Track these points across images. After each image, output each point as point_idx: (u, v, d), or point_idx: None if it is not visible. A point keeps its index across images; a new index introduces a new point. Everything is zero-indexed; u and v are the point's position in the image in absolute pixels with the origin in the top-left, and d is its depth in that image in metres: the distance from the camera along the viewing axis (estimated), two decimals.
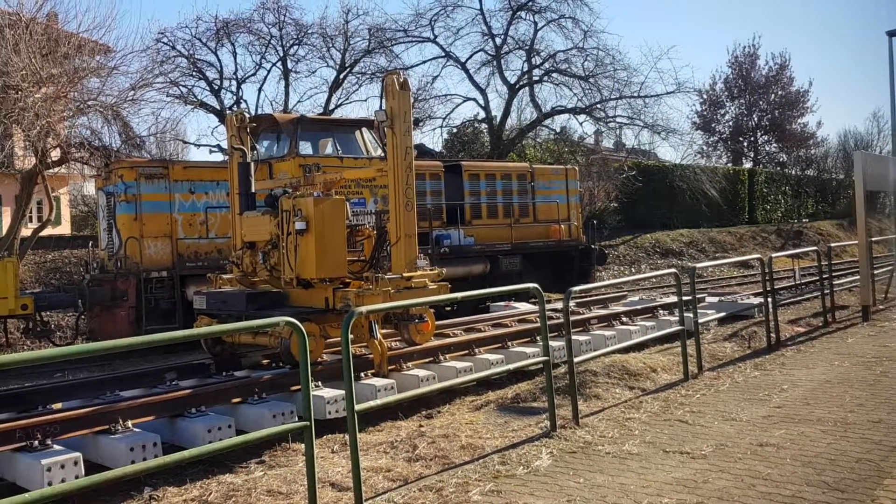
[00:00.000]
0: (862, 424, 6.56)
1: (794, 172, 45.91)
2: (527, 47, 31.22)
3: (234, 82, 29.70)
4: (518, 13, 30.86)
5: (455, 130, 34.82)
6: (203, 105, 28.77)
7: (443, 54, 31.64)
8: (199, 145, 51.51)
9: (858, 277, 13.90)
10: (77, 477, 5.90)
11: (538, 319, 8.13)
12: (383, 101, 9.72)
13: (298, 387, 7.59)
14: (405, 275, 9.29)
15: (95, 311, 14.10)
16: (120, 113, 17.65)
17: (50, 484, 5.75)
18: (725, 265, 25.29)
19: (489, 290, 9.18)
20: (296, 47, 29.59)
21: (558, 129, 34.49)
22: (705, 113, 46.90)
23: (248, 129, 10.70)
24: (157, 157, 27.69)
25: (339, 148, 15.24)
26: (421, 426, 7.50)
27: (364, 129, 15.45)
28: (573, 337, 7.81)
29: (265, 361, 9.61)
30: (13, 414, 7.25)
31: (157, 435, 6.65)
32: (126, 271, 13.74)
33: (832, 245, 15.70)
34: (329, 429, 7.40)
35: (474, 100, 32.60)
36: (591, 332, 11.28)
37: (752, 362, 9.64)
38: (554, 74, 31.48)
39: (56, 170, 19.20)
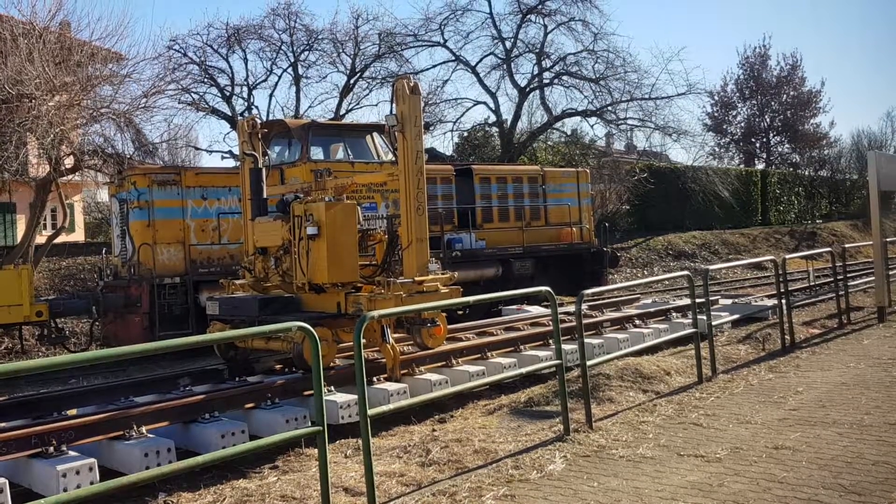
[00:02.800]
0: (878, 427, 6.50)
1: (807, 173, 45.63)
2: (537, 50, 31.23)
3: (245, 88, 29.89)
4: (528, 16, 30.88)
5: (466, 134, 34.87)
6: (215, 111, 28.94)
7: (453, 58, 31.72)
8: (211, 151, 52.11)
9: (873, 278, 13.80)
10: (92, 483, 5.92)
11: (550, 323, 8.12)
12: (394, 105, 9.73)
13: (311, 392, 7.57)
14: (417, 279, 9.29)
15: (109, 318, 14.18)
16: (132, 120, 17.78)
17: (65, 490, 5.78)
18: (739, 267, 25.15)
19: (501, 294, 9.13)
20: (306, 53, 29.76)
21: (569, 132, 34.49)
22: (717, 114, 46.77)
23: (260, 135, 10.73)
24: (169, 163, 27.83)
25: (350, 153, 15.27)
26: (434, 430, 7.48)
27: (375, 134, 15.46)
28: (586, 340, 7.79)
29: (278, 366, 9.63)
30: (28, 420, 7.29)
31: (170, 440, 6.68)
32: (139, 277, 13.81)
33: (846, 246, 15.60)
34: (342, 433, 7.40)
35: (485, 103, 32.68)
36: (604, 336, 11.25)
37: (767, 364, 9.58)
38: (564, 77, 31.46)
39: (70, 177, 19.34)
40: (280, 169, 14.75)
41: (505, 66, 31.49)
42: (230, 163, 21.75)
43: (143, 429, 6.82)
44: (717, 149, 46.29)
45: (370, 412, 5.24)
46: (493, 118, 32.74)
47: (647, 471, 5.69)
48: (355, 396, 6.92)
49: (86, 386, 9.71)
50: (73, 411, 7.74)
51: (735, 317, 12.28)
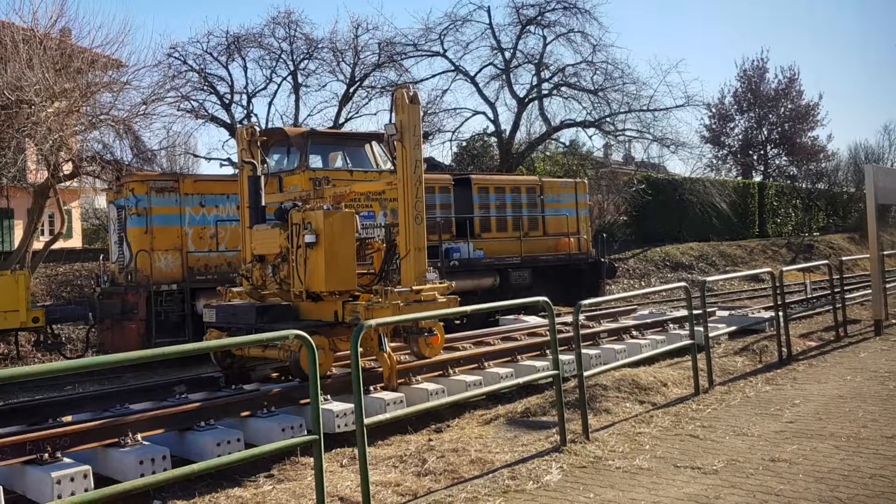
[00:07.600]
0: (875, 440, 6.50)
1: (804, 186, 45.71)
2: (536, 61, 31.32)
3: (244, 96, 29.92)
4: (527, 27, 30.98)
5: (464, 144, 34.91)
6: (214, 119, 28.96)
7: (452, 68, 31.80)
8: (210, 159, 51.89)
9: (870, 291, 13.81)
10: (86, 490, 5.90)
11: (548, 333, 8.11)
12: (393, 114, 9.75)
13: (308, 400, 7.57)
14: (414, 288, 9.29)
15: (106, 324, 14.15)
16: (131, 127, 17.81)
17: (59, 497, 5.76)
18: (736, 279, 25.16)
19: (499, 304, 9.15)
20: (306, 61, 29.80)
21: (567, 143, 34.57)
22: (714, 126, 46.81)
23: (259, 143, 10.74)
24: (167, 170, 27.86)
25: (348, 161, 15.29)
26: (430, 440, 7.47)
27: (374, 143, 15.49)
28: (583, 351, 7.78)
29: (274, 375, 9.62)
30: (23, 427, 7.28)
31: (166, 448, 6.66)
32: (136, 284, 13.79)
33: (844, 259, 15.62)
34: (338, 442, 7.39)
35: (484, 113, 32.74)
36: (601, 346, 11.24)
37: (764, 377, 9.58)
38: (563, 88, 31.56)
39: (68, 183, 19.35)
40: (279, 177, 14.77)
41: (504, 76, 31.58)
42: (229, 170, 21.76)
43: (139, 436, 6.81)
44: (714, 161, 46.35)
45: (367, 421, 5.23)
46: (491, 128, 32.82)
47: (643, 482, 5.68)
48: (352, 405, 6.89)
49: (81, 393, 9.67)
50: (69, 418, 7.72)
51: (732, 328, 12.28)
